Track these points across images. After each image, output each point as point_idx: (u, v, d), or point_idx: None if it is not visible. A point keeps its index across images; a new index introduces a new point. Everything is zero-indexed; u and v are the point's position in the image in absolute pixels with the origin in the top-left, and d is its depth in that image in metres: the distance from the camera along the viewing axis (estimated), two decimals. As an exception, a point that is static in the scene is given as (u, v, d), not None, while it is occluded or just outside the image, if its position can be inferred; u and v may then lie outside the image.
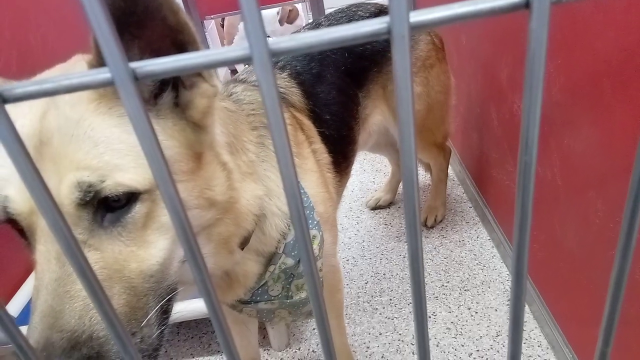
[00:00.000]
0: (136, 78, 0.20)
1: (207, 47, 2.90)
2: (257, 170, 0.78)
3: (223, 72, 3.40)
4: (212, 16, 2.87)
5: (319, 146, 1.07)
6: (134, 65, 0.20)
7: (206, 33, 2.89)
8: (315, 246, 0.87)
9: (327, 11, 2.75)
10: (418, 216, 0.24)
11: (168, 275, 0.60)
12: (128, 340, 0.27)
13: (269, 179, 0.80)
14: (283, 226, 0.83)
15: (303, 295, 0.92)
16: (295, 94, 1.11)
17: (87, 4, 0.18)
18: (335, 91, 1.23)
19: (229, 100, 0.86)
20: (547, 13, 0.20)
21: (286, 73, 1.16)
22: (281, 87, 1.11)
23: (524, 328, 1.41)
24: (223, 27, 3.76)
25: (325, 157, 1.08)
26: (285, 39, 0.21)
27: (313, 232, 0.87)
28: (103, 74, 0.20)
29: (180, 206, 0.23)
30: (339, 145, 1.19)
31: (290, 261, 0.85)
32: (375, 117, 1.45)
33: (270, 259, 0.85)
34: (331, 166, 1.10)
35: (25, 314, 1.49)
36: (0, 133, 0.20)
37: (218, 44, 3.61)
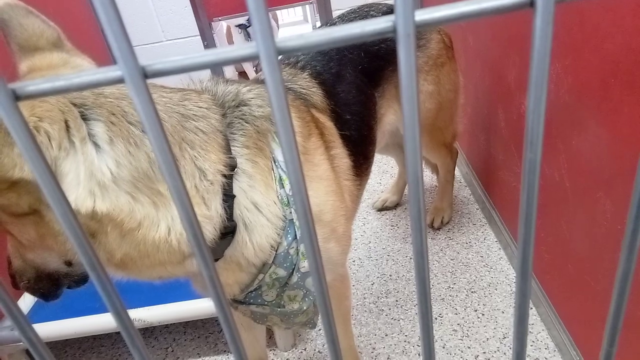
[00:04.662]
0: (146, 76, 0.20)
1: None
2: (216, 190, 0.74)
3: (230, 73, 3.42)
4: (219, 18, 2.88)
5: (339, 151, 1.05)
6: (144, 63, 0.20)
7: (214, 34, 2.91)
8: (307, 262, 0.86)
9: (335, 13, 2.77)
10: (423, 208, 0.25)
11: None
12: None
13: (256, 191, 0.79)
14: (274, 237, 0.82)
15: (295, 306, 0.91)
16: (316, 94, 1.10)
17: (98, 4, 0.19)
18: (354, 90, 1.21)
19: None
20: (551, 12, 0.20)
21: (307, 73, 1.14)
22: (303, 88, 1.09)
23: (531, 330, 1.41)
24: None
25: (345, 162, 1.06)
26: (293, 37, 0.21)
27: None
28: (114, 72, 0.20)
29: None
30: (360, 146, 1.18)
31: (281, 272, 0.85)
32: (389, 117, 1.45)
33: (261, 269, 0.85)
34: (351, 170, 1.08)
35: (35, 311, 1.50)
36: (14, 129, 0.21)
37: (226, 45, 3.62)
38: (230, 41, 3.72)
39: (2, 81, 0.21)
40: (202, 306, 1.38)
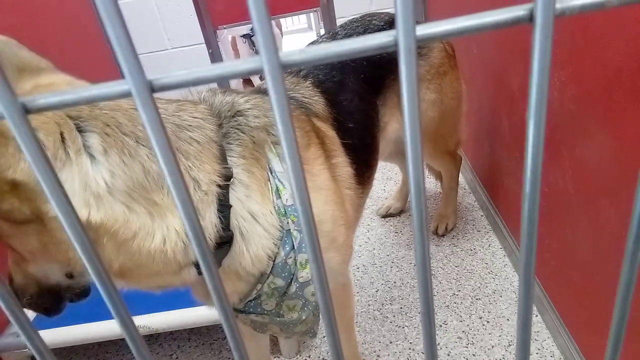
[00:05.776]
0: (153, 90, 0.20)
1: (220, 56, 2.94)
2: (210, 201, 0.74)
3: (235, 81, 3.44)
4: (225, 26, 2.90)
5: (341, 159, 1.05)
6: (151, 77, 0.20)
7: (219, 43, 2.93)
8: (305, 272, 0.86)
9: (338, 21, 2.78)
10: (425, 218, 0.25)
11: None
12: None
13: (253, 201, 0.80)
14: (271, 246, 0.82)
15: (294, 316, 0.91)
16: (318, 103, 1.10)
17: (107, 19, 0.19)
18: (357, 99, 1.21)
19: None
20: (551, 26, 0.20)
21: (309, 82, 1.14)
22: (305, 97, 1.09)
23: (537, 338, 1.40)
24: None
25: (346, 170, 1.05)
26: (296, 52, 0.21)
27: (302, 255, 0.85)
28: (121, 86, 0.21)
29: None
30: (363, 154, 1.18)
31: (280, 282, 0.85)
32: (392, 125, 1.45)
33: (260, 278, 0.85)
34: (353, 179, 1.07)
35: (41, 318, 1.50)
36: (23, 142, 0.21)
37: (231, 53, 3.65)
38: (235, 50, 3.75)
39: (12, 94, 0.21)
40: (206, 313, 1.38)
